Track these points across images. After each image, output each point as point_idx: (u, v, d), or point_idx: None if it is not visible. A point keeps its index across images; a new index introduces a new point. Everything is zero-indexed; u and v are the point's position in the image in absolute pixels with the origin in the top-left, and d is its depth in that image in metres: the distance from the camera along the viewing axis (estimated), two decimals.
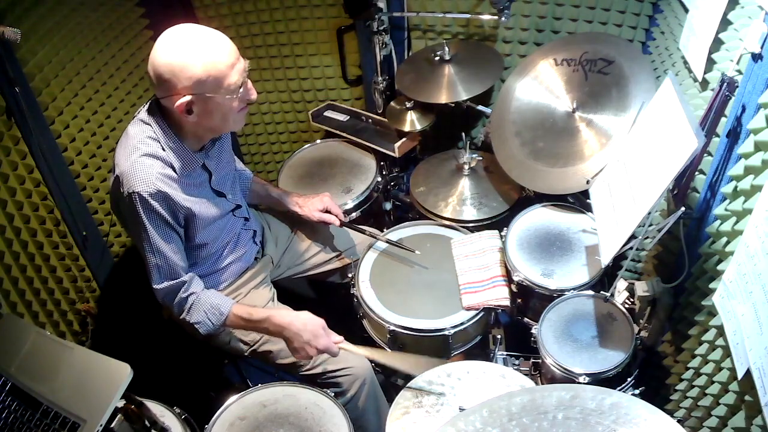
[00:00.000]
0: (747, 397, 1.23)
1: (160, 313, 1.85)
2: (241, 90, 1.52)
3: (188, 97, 1.47)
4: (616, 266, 1.84)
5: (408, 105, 2.38)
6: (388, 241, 2.08)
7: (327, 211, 2.04)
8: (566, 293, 1.75)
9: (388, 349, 1.91)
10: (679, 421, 1.05)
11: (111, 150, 2.19)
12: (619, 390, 1.53)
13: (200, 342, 1.91)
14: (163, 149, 1.56)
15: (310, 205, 2.04)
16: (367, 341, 2.02)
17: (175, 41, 1.45)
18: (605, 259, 1.59)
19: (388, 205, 2.57)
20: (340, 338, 1.70)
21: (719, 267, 1.38)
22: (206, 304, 1.69)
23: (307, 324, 1.65)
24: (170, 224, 1.59)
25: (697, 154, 1.43)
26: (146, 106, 1.60)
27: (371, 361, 1.82)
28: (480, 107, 2.38)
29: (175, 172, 1.59)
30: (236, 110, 1.56)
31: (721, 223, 1.39)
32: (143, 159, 1.53)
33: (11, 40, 1.59)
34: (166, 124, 1.57)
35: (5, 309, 1.71)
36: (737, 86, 1.34)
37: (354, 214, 2.35)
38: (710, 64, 1.51)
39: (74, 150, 2.05)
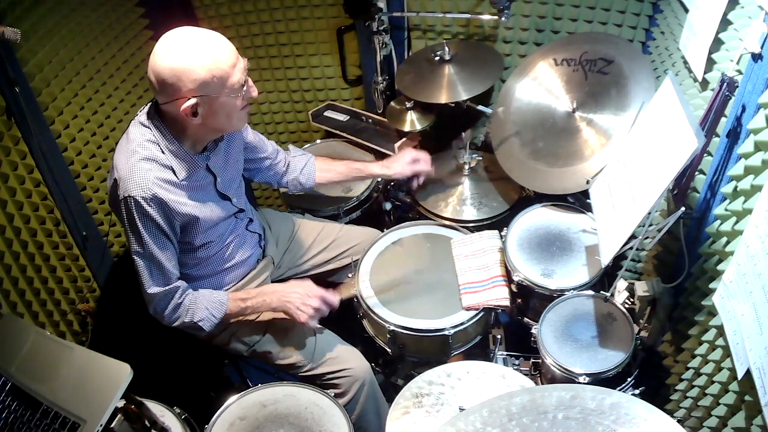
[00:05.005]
0: (747, 397, 1.23)
1: None
2: (244, 88, 1.53)
3: (193, 100, 1.47)
4: (616, 266, 1.84)
5: (408, 105, 2.38)
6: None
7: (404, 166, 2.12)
8: (566, 293, 1.75)
9: (390, 352, 1.92)
10: (679, 421, 1.05)
11: (111, 150, 2.19)
12: (619, 390, 1.53)
13: (200, 342, 1.91)
14: (163, 152, 1.56)
15: (398, 165, 2.11)
16: (367, 341, 2.03)
17: (175, 45, 1.44)
18: (605, 259, 1.59)
19: (388, 205, 2.56)
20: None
21: (719, 267, 1.38)
22: (204, 300, 1.71)
23: (293, 282, 1.82)
24: (164, 231, 1.59)
25: (697, 154, 1.43)
26: (145, 109, 1.60)
27: (371, 363, 1.84)
28: (480, 107, 2.38)
29: (176, 175, 1.59)
30: (239, 108, 1.57)
31: (721, 223, 1.38)
32: (141, 163, 1.53)
33: (11, 40, 1.59)
34: (165, 127, 1.57)
35: (5, 309, 1.71)
36: (737, 86, 1.34)
37: (354, 214, 2.35)
38: (710, 64, 1.51)
39: (74, 150, 2.05)
